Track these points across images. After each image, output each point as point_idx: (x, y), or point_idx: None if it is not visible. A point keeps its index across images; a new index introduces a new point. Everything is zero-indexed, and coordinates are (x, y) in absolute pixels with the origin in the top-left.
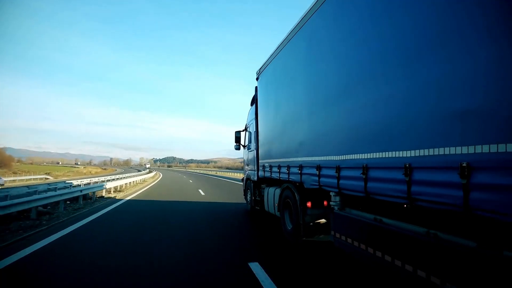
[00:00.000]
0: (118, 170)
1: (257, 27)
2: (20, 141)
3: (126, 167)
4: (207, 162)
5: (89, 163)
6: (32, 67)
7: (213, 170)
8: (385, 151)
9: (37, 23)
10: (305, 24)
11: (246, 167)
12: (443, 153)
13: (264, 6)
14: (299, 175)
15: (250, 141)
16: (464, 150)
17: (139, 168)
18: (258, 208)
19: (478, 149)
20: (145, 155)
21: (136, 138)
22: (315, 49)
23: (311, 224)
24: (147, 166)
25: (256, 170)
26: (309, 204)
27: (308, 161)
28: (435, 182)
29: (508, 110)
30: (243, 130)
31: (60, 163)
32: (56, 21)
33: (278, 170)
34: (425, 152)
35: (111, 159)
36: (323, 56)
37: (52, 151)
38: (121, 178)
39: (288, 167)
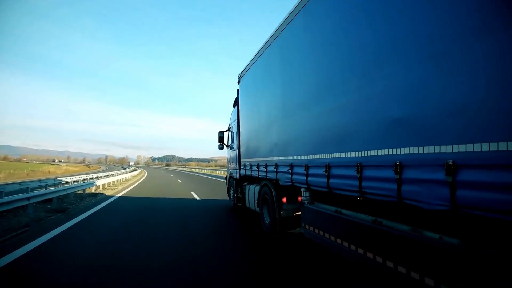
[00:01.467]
0: (102, 168)
1: (258, 25)
2: (19, 139)
3: (118, 165)
4: (207, 160)
5: (83, 161)
6: (31, 65)
7: (213, 170)
8: (343, 152)
9: (36, 20)
10: (280, 35)
11: (229, 165)
12: (383, 153)
13: (265, 5)
14: (275, 173)
15: (233, 141)
16: (398, 151)
17: (124, 166)
18: (240, 204)
19: (407, 150)
20: (144, 153)
21: (135, 136)
22: (287, 58)
23: (287, 218)
24: (131, 163)
25: (238, 168)
26: (284, 199)
27: (283, 160)
28: (378, 177)
29: (431, 117)
30: (226, 131)
31: (57, 160)
32: (54, 18)
33: (257, 169)
34: (371, 152)
35: (106, 156)
36: (294, 65)
37: (51, 149)
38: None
39: (266, 165)
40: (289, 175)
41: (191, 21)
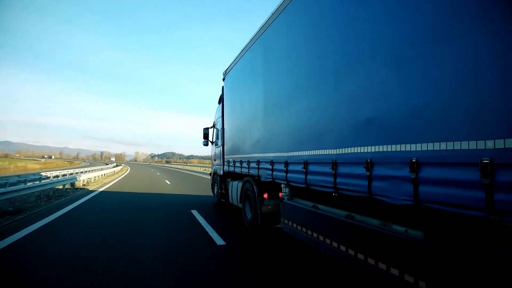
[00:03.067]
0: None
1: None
2: (18, 135)
3: (104, 161)
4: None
5: (76, 157)
6: (30, 61)
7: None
8: (319, 149)
9: (38, 17)
10: (263, 33)
11: (213, 162)
12: (356, 151)
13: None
14: (257, 169)
15: (217, 138)
16: (368, 149)
17: (107, 162)
18: (223, 200)
19: (377, 148)
20: (143, 150)
21: (135, 133)
22: (270, 58)
23: (267, 213)
24: (112, 159)
25: (222, 165)
26: (265, 195)
27: (264, 156)
28: (351, 174)
29: (397, 117)
30: (211, 127)
31: (53, 156)
32: (58, 15)
33: (240, 165)
34: (345, 150)
35: (101, 152)
36: (276, 64)
37: (50, 145)
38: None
39: (249, 162)
40: (270, 172)
41: (193, 21)
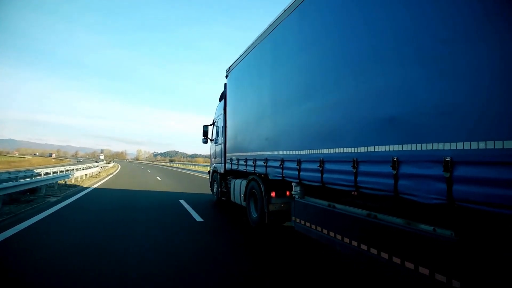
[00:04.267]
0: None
1: (263, 22)
2: (22, 133)
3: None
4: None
5: (75, 155)
6: (34, 60)
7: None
8: (337, 147)
9: (41, 16)
10: (273, 31)
11: (212, 160)
12: (380, 150)
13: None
14: (265, 168)
15: (217, 135)
16: (395, 147)
17: (97, 160)
18: (224, 198)
19: (404, 147)
20: (145, 148)
21: (137, 132)
22: (278, 56)
23: (275, 212)
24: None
25: (223, 163)
26: (273, 194)
27: (273, 154)
28: (374, 173)
29: (427, 116)
30: (210, 125)
31: (54, 154)
32: (58, 14)
33: (245, 163)
34: (367, 148)
35: (101, 150)
36: (285, 62)
37: (54, 143)
38: None
39: (255, 160)
40: (280, 170)
41: (195, 19)
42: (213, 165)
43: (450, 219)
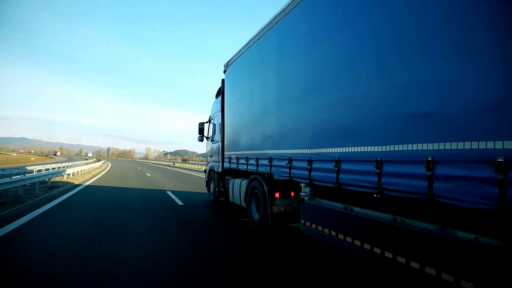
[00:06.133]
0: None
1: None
2: (34, 131)
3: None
4: None
5: (79, 153)
6: (41, 58)
7: None
8: (357, 146)
9: (52, 16)
10: (277, 24)
11: (209, 158)
12: (411, 148)
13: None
14: (269, 167)
15: (214, 133)
16: (429, 146)
17: (87, 157)
18: (222, 199)
19: (441, 146)
20: (155, 147)
21: (147, 131)
22: (285, 48)
23: (279, 213)
24: (89, 155)
25: (220, 161)
26: (277, 195)
27: (279, 153)
28: (403, 174)
29: (471, 112)
30: (206, 122)
31: (59, 153)
32: (70, 13)
33: (246, 162)
34: (394, 147)
35: (108, 148)
36: (293, 55)
37: (64, 142)
38: None
39: (257, 159)
40: (287, 169)
41: (203, 17)
42: (210, 164)
43: (498, 227)
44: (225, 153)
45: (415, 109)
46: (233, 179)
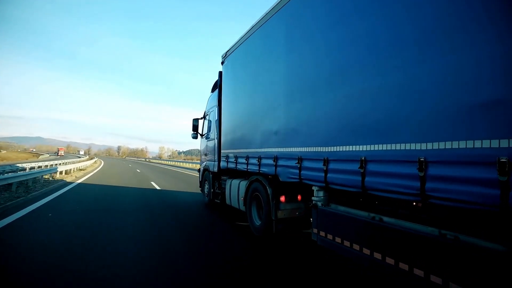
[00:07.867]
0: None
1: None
2: (49, 131)
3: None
4: None
5: (88, 151)
6: (58, 60)
7: None
8: (390, 143)
9: (65, 18)
10: (284, 6)
11: (203, 157)
12: (470, 146)
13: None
14: (274, 167)
15: (209, 130)
16: (495, 143)
17: (79, 155)
18: (218, 201)
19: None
20: (168, 146)
21: (159, 131)
22: (296, 35)
23: (285, 219)
24: (81, 153)
25: (216, 160)
26: (282, 198)
27: (285, 152)
28: (459, 178)
29: None
30: (201, 118)
31: (63, 151)
32: (81, 15)
33: (246, 161)
34: (441, 145)
35: (118, 147)
36: (306, 42)
37: (78, 141)
38: None
39: (259, 158)
40: (296, 170)
41: (213, 16)
42: (204, 163)
43: None
44: (221, 151)
45: (472, 98)
46: (230, 180)
